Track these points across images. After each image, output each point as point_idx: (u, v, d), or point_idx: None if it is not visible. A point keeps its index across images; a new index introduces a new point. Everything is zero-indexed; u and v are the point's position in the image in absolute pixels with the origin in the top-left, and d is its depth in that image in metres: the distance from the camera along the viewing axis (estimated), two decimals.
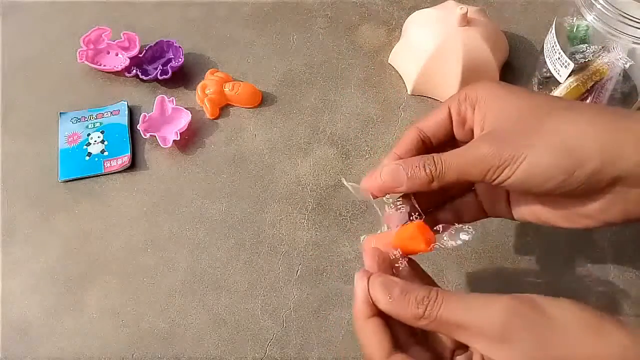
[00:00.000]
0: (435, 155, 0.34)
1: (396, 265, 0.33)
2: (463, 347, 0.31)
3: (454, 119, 0.36)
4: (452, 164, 0.33)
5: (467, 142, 0.34)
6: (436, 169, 0.33)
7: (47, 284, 0.48)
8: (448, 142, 0.37)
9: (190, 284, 0.48)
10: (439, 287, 0.32)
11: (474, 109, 0.35)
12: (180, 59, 0.59)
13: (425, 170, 0.33)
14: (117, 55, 0.61)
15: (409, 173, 0.33)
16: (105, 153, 0.54)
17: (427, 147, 0.37)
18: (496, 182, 0.32)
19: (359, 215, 0.51)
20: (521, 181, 0.31)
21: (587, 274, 0.47)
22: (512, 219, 0.38)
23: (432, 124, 0.36)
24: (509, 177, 0.31)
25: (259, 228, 0.50)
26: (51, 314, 0.47)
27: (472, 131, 0.36)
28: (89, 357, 0.45)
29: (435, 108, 0.37)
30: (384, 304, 0.30)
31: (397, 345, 0.30)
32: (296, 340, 0.45)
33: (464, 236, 0.32)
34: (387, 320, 0.31)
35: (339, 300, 0.47)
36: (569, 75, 0.50)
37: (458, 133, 0.36)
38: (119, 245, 0.50)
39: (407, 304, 0.29)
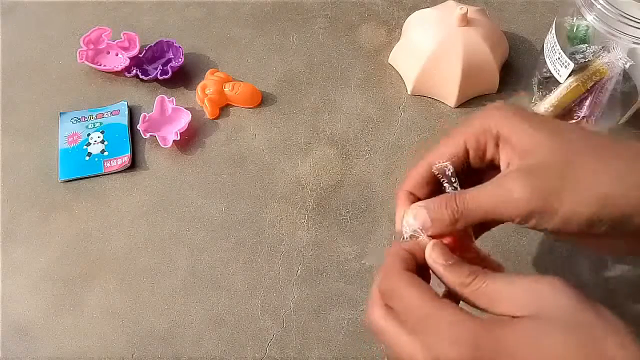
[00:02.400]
0: (458, 195, 0.32)
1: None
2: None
3: (471, 152, 0.34)
4: (480, 205, 0.31)
5: (486, 171, 0.34)
6: (458, 208, 0.32)
7: (47, 284, 0.48)
8: (462, 171, 0.35)
9: (190, 284, 0.48)
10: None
11: (496, 144, 0.33)
12: (180, 59, 0.59)
13: (447, 212, 0.32)
14: (117, 55, 0.61)
15: (433, 216, 0.32)
16: (105, 153, 0.54)
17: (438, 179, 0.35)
18: (528, 226, 0.31)
19: (359, 215, 0.51)
20: (557, 229, 0.31)
21: (587, 274, 0.47)
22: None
23: (445, 158, 0.34)
24: (543, 226, 0.31)
25: (259, 228, 0.50)
26: (51, 314, 0.47)
27: (492, 162, 0.34)
28: (89, 357, 0.45)
29: (445, 138, 0.35)
30: (438, 266, 0.31)
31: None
32: (296, 340, 0.45)
33: None
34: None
35: (339, 300, 0.47)
36: (569, 75, 0.50)
37: (476, 163, 0.35)
38: (119, 245, 0.50)
39: (459, 271, 0.30)
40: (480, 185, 0.32)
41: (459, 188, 0.33)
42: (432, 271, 0.32)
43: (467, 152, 0.34)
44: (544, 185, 0.30)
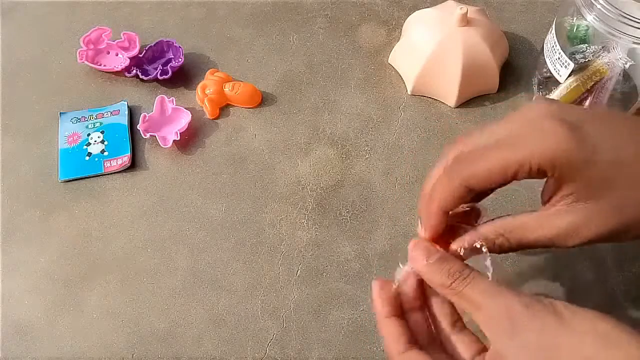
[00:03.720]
0: (511, 237, 0.32)
1: None
2: (481, 354, 0.31)
3: (518, 179, 0.31)
4: (529, 244, 0.32)
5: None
6: (511, 249, 0.32)
7: (47, 284, 0.48)
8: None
9: (190, 284, 0.48)
10: None
11: (550, 180, 0.31)
12: (180, 59, 0.59)
13: (500, 249, 0.32)
14: (117, 55, 0.61)
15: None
16: (105, 153, 0.54)
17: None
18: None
19: (359, 215, 0.51)
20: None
21: (587, 274, 0.47)
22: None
23: (486, 184, 0.31)
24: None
25: (259, 228, 0.50)
26: (51, 314, 0.47)
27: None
28: (89, 357, 0.45)
29: (487, 156, 0.30)
30: (420, 265, 0.31)
31: (416, 345, 0.31)
32: (296, 340, 0.45)
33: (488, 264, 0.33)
34: (407, 321, 0.32)
35: (339, 300, 0.47)
36: (569, 75, 0.50)
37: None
38: (119, 245, 0.50)
39: (440, 271, 0.30)
40: (532, 219, 0.32)
41: (490, 271, 0.32)
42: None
43: (506, 180, 0.31)
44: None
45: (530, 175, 0.30)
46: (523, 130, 0.30)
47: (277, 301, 0.47)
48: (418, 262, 0.31)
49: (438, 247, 0.33)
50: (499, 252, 0.32)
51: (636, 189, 0.30)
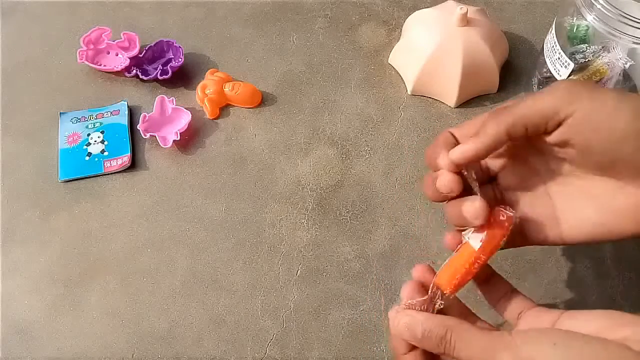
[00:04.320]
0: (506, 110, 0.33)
1: (434, 304, 0.33)
2: None
3: (529, 129, 0.33)
4: (522, 121, 0.32)
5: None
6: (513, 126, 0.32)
7: (47, 284, 0.48)
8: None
9: (190, 284, 0.48)
10: (472, 314, 0.34)
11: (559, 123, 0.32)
12: (180, 59, 0.59)
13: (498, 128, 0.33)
14: (117, 55, 0.61)
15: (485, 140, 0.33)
16: (105, 153, 0.54)
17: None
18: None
19: (359, 215, 0.51)
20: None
21: (587, 274, 0.47)
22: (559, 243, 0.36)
23: (533, 123, 0.32)
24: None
25: (259, 228, 0.50)
26: (51, 314, 0.47)
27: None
28: (89, 357, 0.45)
29: (529, 100, 0.33)
30: (413, 342, 0.32)
31: None
32: (296, 340, 0.45)
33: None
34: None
35: (339, 300, 0.47)
36: (569, 75, 0.50)
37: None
38: (119, 245, 0.50)
39: (430, 342, 0.31)
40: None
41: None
42: None
43: (546, 124, 0.32)
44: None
45: (539, 127, 0.32)
46: (547, 90, 0.32)
47: (277, 301, 0.47)
48: (409, 340, 0.32)
49: (418, 304, 0.33)
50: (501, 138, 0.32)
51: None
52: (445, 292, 0.33)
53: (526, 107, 0.32)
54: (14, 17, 0.66)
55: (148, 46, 0.60)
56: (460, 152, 0.33)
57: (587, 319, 0.29)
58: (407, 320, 0.32)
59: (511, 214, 0.32)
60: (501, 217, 0.32)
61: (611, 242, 0.31)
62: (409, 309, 0.32)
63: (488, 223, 0.32)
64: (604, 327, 0.28)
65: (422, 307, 0.32)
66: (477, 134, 0.33)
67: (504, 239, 0.32)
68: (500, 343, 0.29)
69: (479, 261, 0.32)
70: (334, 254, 0.49)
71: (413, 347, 0.32)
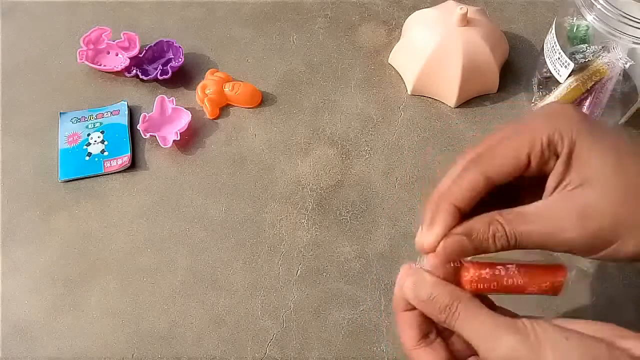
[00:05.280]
0: (507, 225, 0.29)
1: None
2: None
3: (532, 165, 0.30)
4: (530, 239, 0.29)
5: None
6: (509, 244, 0.29)
7: (47, 284, 0.48)
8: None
9: (190, 284, 0.48)
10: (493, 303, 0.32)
11: (556, 155, 0.30)
12: (180, 59, 0.59)
13: (495, 243, 0.29)
14: (117, 55, 0.61)
15: (477, 245, 0.29)
16: (105, 153, 0.54)
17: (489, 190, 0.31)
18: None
19: (359, 215, 0.51)
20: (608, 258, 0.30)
21: (587, 274, 0.47)
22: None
23: (504, 172, 0.30)
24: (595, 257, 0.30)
25: (259, 228, 0.50)
26: (51, 314, 0.47)
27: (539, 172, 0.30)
28: (89, 357, 0.45)
29: (500, 145, 0.30)
30: (414, 303, 0.30)
31: (434, 332, 0.31)
32: (296, 340, 0.45)
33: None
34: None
35: (339, 300, 0.47)
36: (569, 75, 0.50)
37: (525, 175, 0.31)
38: (119, 245, 0.50)
39: (432, 308, 0.30)
40: (529, 215, 0.29)
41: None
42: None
43: (528, 164, 0.30)
44: (599, 231, 0.28)
45: (544, 156, 0.29)
46: (535, 117, 0.31)
47: (277, 301, 0.47)
48: (410, 299, 0.30)
49: (431, 264, 0.31)
50: (492, 250, 0.30)
51: None
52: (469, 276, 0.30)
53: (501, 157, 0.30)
54: (14, 17, 0.66)
55: (148, 46, 0.60)
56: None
57: (585, 329, 0.28)
58: (415, 279, 0.30)
59: (571, 268, 0.31)
60: (559, 271, 0.31)
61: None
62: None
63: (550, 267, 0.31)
64: (605, 337, 0.27)
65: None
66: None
67: (547, 286, 0.31)
68: (511, 326, 0.27)
69: (505, 279, 0.30)
70: (334, 254, 0.49)
71: (414, 307, 0.31)
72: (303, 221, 0.50)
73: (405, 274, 0.31)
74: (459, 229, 0.30)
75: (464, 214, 0.30)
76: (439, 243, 0.30)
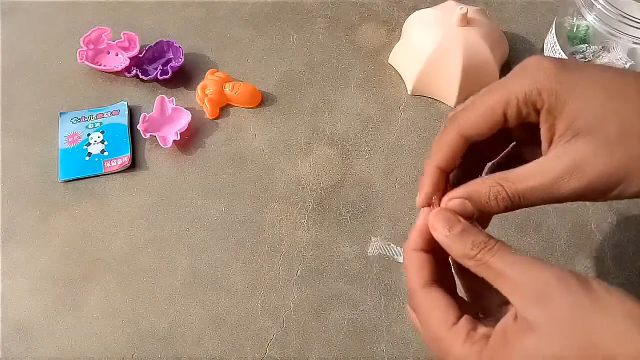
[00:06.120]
0: (507, 185, 0.29)
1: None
2: (508, 305, 0.30)
3: (511, 121, 0.30)
4: (533, 195, 0.29)
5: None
6: (512, 203, 0.29)
7: (47, 284, 0.48)
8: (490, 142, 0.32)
9: (190, 284, 0.48)
10: None
11: (537, 109, 0.30)
12: (180, 59, 0.59)
13: (498, 206, 0.30)
14: (117, 55, 0.61)
15: (479, 206, 0.30)
16: (105, 153, 0.54)
17: (471, 149, 0.32)
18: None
19: (359, 215, 0.51)
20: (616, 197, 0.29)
21: (587, 274, 0.47)
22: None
23: (479, 128, 0.31)
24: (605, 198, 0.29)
25: (259, 228, 0.50)
26: (51, 314, 0.47)
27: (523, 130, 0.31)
28: (89, 357, 0.45)
29: (474, 104, 0.31)
30: (440, 236, 0.30)
31: (438, 282, 0.30)
32: (296, 340, 0.45)
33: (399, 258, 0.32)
34: (435, 258, 0.31)
35: (339, 300, 0.47)
36: None
37: (518, 134, 0.32)
38: (119, 245, 0.50)
39: (462, 243, 0.29)
40: (530, 172, 0.29)
41: None
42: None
43: (504, 122, 0.30)
44: (602, 179, 0.28)
45: (521, 112, 0.29)
46: (511, 74, 0.31)
47: (277, 301, 0.47)
48: (439, 232, 0.29)
49: (459, 217, 0.30)
50: (496, 210, 0.30)
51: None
52: None
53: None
54: (14, 17, 0.66)
55: (148, 46, 0.60)
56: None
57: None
58: (448, 213, 0.30)
59: None
60: None
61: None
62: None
63: None
64: None
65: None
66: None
67: None
68: (550, 265, 0.26)
69: None
70: (334, 254, 0.49)
71: (428, 249, 0.30)
72: (303, 221, 0.50)
73: (434, 211, 0.30)
74: (459, 191, 0.31)
75: (449, 173, 0.32)
76: (428, 202, 0.32)
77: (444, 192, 0.32)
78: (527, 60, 0.31)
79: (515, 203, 0.30)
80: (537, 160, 0.30)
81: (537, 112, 0.30)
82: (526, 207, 0.30)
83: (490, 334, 0.28)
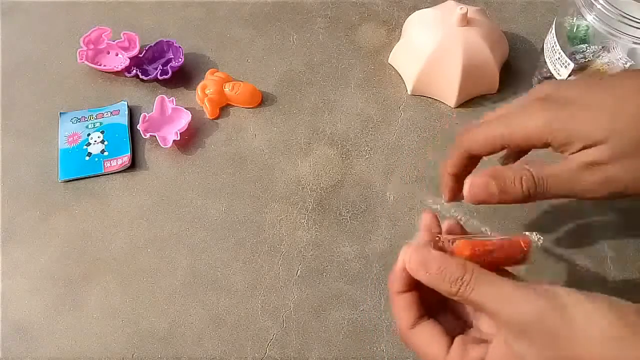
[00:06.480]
0: (535, 171, 0.32)
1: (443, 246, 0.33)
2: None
3: (511, 148, 0.37)
4: (556, 182, 0.32)
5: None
6: (536, 189, 0.32)
7: (47, 284, 0.48)
8: None
9: (190, 284, 0.48)
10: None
11: (551, 146, 0.33)
12: (180, 59, 0.59)
13: (522, 188, 0.32)
14: (117, 55, 0.61)
15: (503, 188, 0.32)
16: (105, 153, 0.54)
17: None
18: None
19: (359, 215, 0.51)
20: None
21: (587, 274, 0.47)
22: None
23: (481, 151, 0.36)
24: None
25: (259, 228, 0.50)
26: (51, 314, 0.47)
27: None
28: (89, 357, 0.45)
29: (480, 130, 0.36)
30: (422, 278, 0.31)
31: (427, 311, 0.32)
32: (296, 340, 0.45)
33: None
34: (418, 289, 0.32)
35: (339, 300, 0.47)
36: (569, 75, 0.50)
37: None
38: (119, 245, 0.50)
39: (442, 281, 0.30)
40: (559, 166, 0.32)
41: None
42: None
43: (502, 148, 0.35)
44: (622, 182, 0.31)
45: (523, 147, 0.35)
46: (515, 109, 0.34)
47: (277, 301, 0.47)
48: (419, 275, 0.31)
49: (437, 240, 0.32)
50: (519, 194, 0.32)
51: None
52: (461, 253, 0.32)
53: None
54: (14, 17, 0.66)
55: (148, 46, 0.60)
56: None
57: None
58: (423, 254, 0.31)
59: (532, 239, 0.32)
60: (522, 240, 0.32)
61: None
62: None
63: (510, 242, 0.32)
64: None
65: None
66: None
67: (518, 257, 0.32)
68: (533, 291, 0.28)
69: (492, 253, 0.31)
70: (334, 254, 0.49)
71: (410, 288, 0.32)
72: (303, 221, 0.50)
73: (409, 251, 0.31)
74: (486, 171, 0.33)
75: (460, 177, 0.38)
76: (451, 197, 0.39)
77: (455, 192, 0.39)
78: (529, 99, 0.35)
79: (539, 188, 0.32)
80: (566, 167, 0.32)
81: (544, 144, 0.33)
82: (546, 199, 0.32)
83: (483, 356, 0.29)
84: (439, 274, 0.30)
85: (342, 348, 0.44)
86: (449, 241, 0.32)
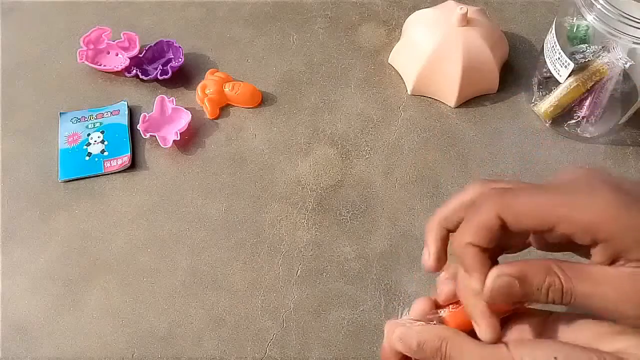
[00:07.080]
0: (565, 280, 0.26)
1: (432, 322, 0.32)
2: None
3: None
4: (587, 301, 0.26)
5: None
6: (562, 300, 0.27)
7: (47, 284, 0.48)
8: None
9: (190, 284, 0.48)
10: None
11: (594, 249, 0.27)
12: (180, 59, 0.59)
13: (547, 298, 0.27)
14: (117, 55, 0.61)
15: (526, 293, 0.27)
16: (105, 153, 0.54)
17: None
18: None
19: (359, 215, 0.51)
20: None
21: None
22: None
23: (520, 221, 0.28)
24: None
25: (259, 228, 0.50)
26: (51, 314, 0.47)
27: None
28: (89, 357, 0.45)
29: (528, 194, 0.28)
30: (407, 353, 0.31)
31: None
32: (296, 340, 0.45)
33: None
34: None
35: (339, 300, 0.47)
36: (569, 75, 0.50)
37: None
38: (119, 245, 0.50)
39: (425, 354, 0.30)
40: (595, 270, 0.27)
41: None
42: None
43: (552, 228, 0.28)
44: None
45: (574, 234, 0.27)
46: (575, 184, 0.28)
47: (277, 301, 0.47)
48: (404, 350, 0.31)
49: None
50: (540, 301, 0.27)
51: None
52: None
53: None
54: (14, 17, 0.66)
55: (148, 46, 0.60)
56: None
57: (577, 328, 0.27)
58: (402, 330, 0.31)
59: None
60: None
61: None
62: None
63: None
64: (595, 337, 0.26)
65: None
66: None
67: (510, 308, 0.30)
68: (497, 356, 0.28)
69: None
70: (334, 254, 0.49)
71: (404, 357, 0.32)
72: (303, 221, 0.50)
73: (392, 328, 0.31)
74: (512, 269, 0.27)
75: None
76: (437, 260, 0.31)
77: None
78: (593, 178, 0.27)
79: (565, 301, 0.27)
80: (603, 268, 0.27)
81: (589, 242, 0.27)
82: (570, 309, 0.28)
83: None
84: (421, 348, 0.30)
85: (342, 348, 0.44)
86: (439, 315, 0.32)
